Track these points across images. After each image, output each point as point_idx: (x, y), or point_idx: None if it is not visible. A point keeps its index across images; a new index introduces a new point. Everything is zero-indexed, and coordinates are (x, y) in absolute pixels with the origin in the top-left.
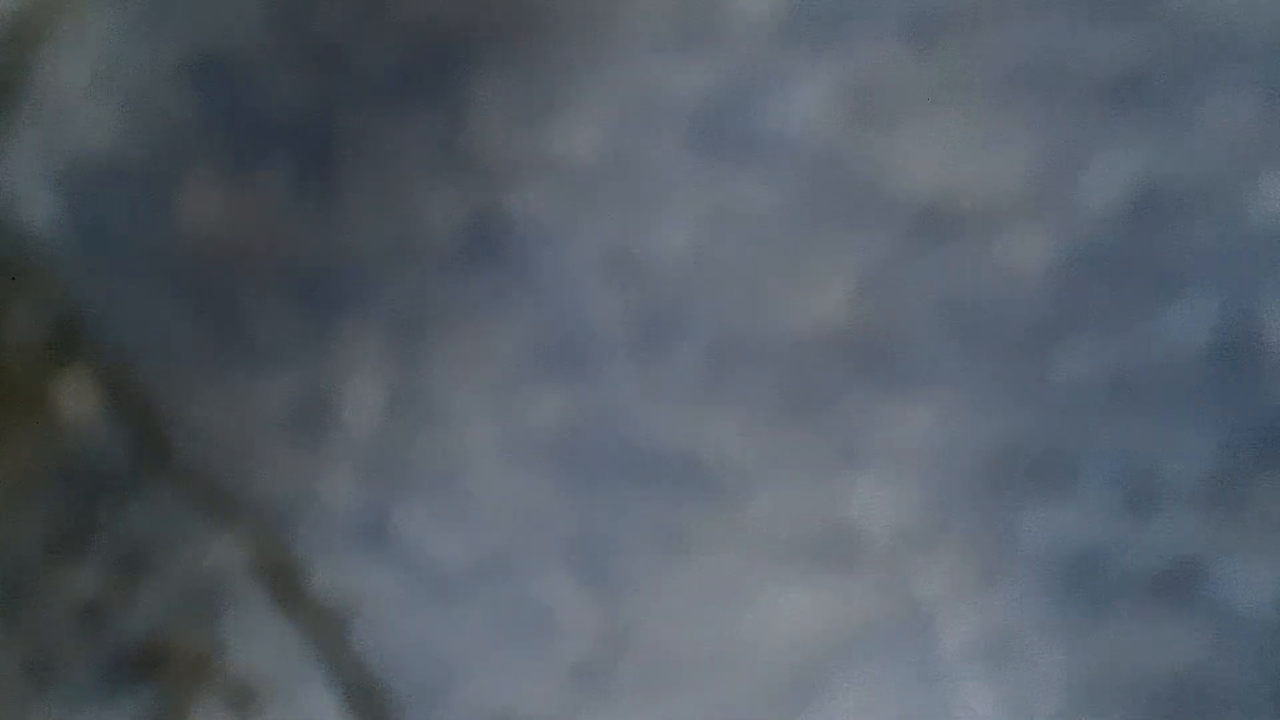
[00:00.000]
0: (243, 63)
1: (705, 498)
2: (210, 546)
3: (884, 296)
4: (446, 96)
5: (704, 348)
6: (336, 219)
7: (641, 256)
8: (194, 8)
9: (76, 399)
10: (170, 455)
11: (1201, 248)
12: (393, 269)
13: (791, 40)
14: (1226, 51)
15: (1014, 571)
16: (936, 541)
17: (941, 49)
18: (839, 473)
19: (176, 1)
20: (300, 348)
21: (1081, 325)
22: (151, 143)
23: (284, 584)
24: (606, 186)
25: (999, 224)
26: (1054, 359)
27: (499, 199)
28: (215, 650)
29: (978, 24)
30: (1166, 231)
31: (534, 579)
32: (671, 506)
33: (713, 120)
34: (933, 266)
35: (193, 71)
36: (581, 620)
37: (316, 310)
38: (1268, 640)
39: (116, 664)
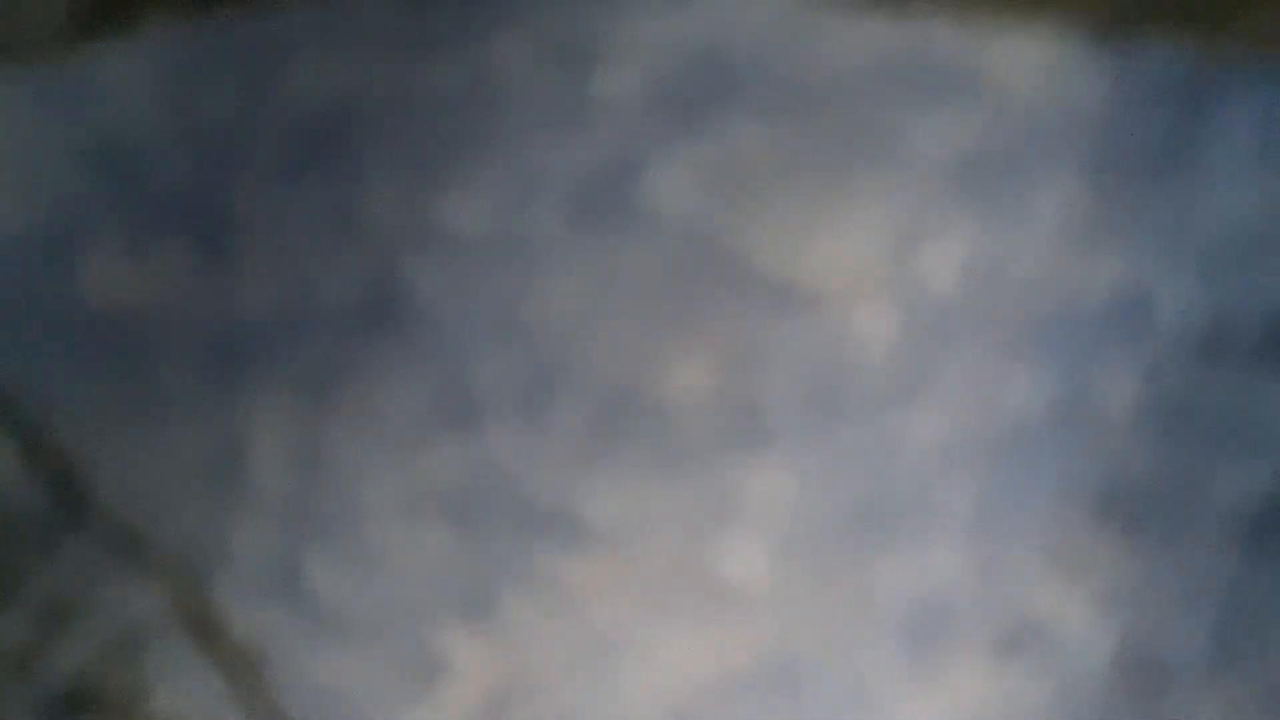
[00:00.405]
0: (137, 143)
1: (588, 551)
2: (132, 594)
3: (748, 364)
4: (339, 171)
5: (585, 408)
6: (239, 287)
7: (527, 322)
8: (85, 91)
9: None
10: (89, 508)
11: (1039, 320)
12: (295, 333)
13: (657, 120)
14: (1052, 135)
15: (871, 623)
16: (801, 595)
17: (793, 129)
18: (710, 529)
19: (69, 85)
20: (210, 406)
21: (928, 392)
22: (54, 220)
23: (203, 629)
24: (494, 256)
25: (849, 298)
26: (903, 423)
27: (393, 267)
28: (141, 694)
29: (826, 104)
30: (1004, 305)
31: (431, 627)
32: (557, 559)
33: (589, 195)
34: (791, 336)
35: (89, 152)
36: (475, 667)
37: (225, 371)
38: (1106, 695)
39: (48, 709)
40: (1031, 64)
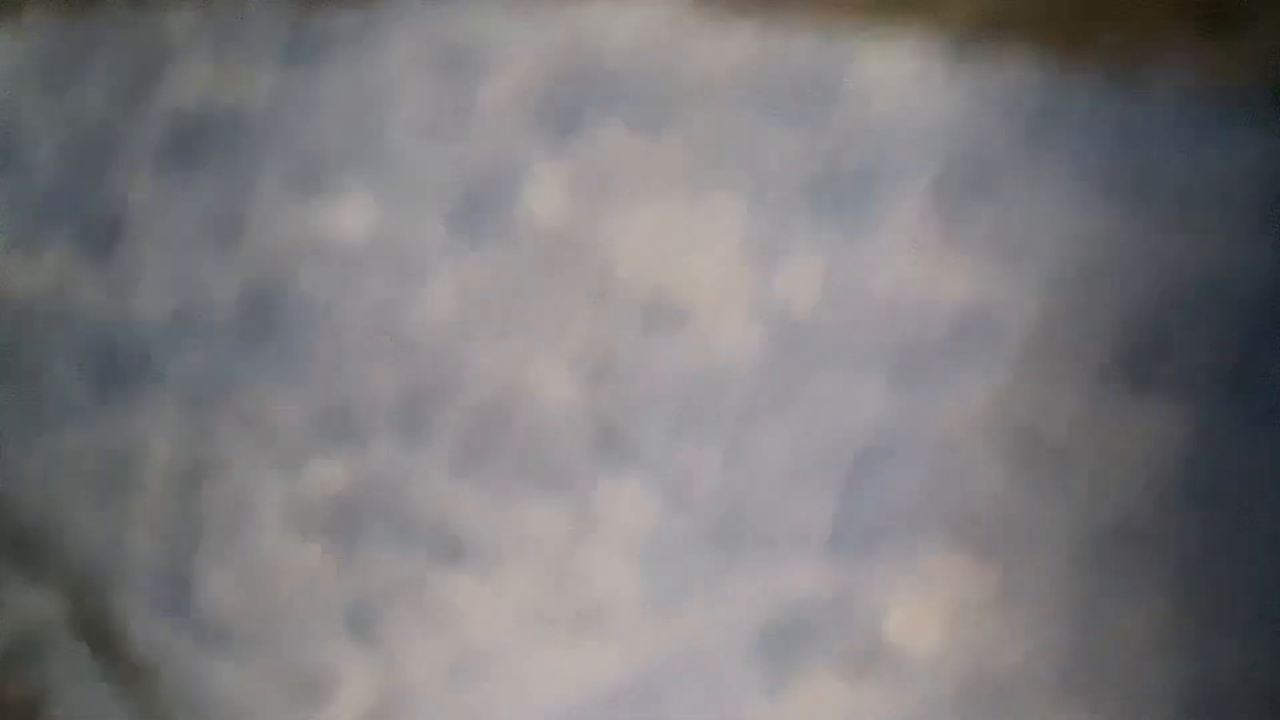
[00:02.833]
0: (19, 135)
1: (465, 568)
2: (30, 600)
3: (615, 378)
4: (222, 175)
5: (461, 422)
6: (125, 288)
7: (407, 332)
8: None
9: None
10: None
11: (894, 338)
12: (181, 339)
13: (533, 129)
14: (907, 149)
15: (729, 640)
16: (664, 611)
17: (661, 140)
18: (579, 545)
19: None
20: (100, 411)
21: (788, 409)
22: None
23: (98, 640)
24: (375, 265)
25: (714, 313)
26: (764, 439)
27: (277, 275)
28: (39, 701)
29: (693, 115)
30: (862, 322)
31: (317, 642)
32: (435, 576)
33: (469, 204)
34: (657, 351)
35: None
36: (358, 682)
37: (114, 375)
38: (958, 714)
39: None
40: (890, 77)
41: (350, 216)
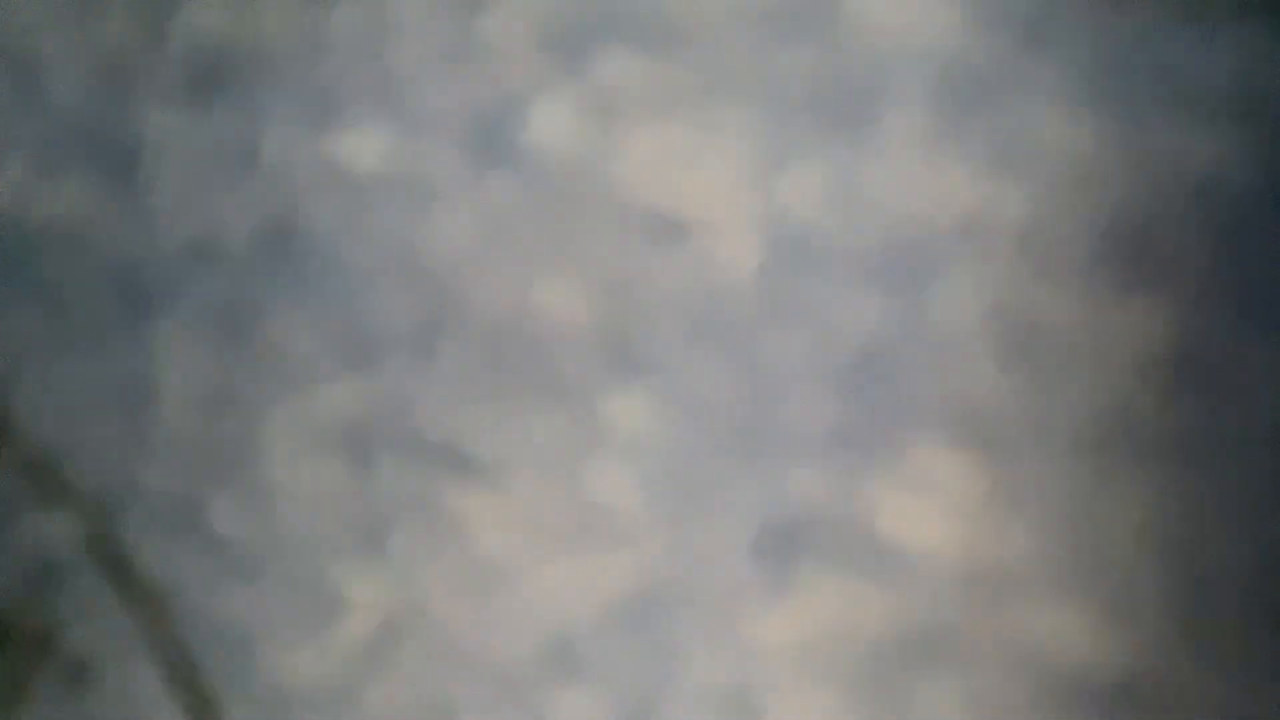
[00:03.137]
0: (40, 64)
1: (474, 483)
2: (47, 527)
3: (622, 295)
4: (238, 108)
5: (472, 344)
6: (144, 217)
7: (419, 259)
8: None
9: None
10: (5, 434)
11: (892, 244)
12: (199, 268)
13: (539, 60)
14: (897, 66)
15: (731, 544)
16: (669, 519)
17: (664, 66)
18: (585, 458)
19: None
20: (119, 339)
21: (789, 317)
22: None
23: (113, 565)
24: (388, 194)
25: (717, 227)
26: (765, 348)
27: (293, 205)
28: (54, 627)
29: (695, 41)
30: (860, 230)
31: (326, 560)
32: (445, 492)
33: (478, 134)
34: (662, 267)
35: None
36: (369, 600)
37: (133, 304)
38: (952, 606)
39: None
40: None
41: (363, 147)
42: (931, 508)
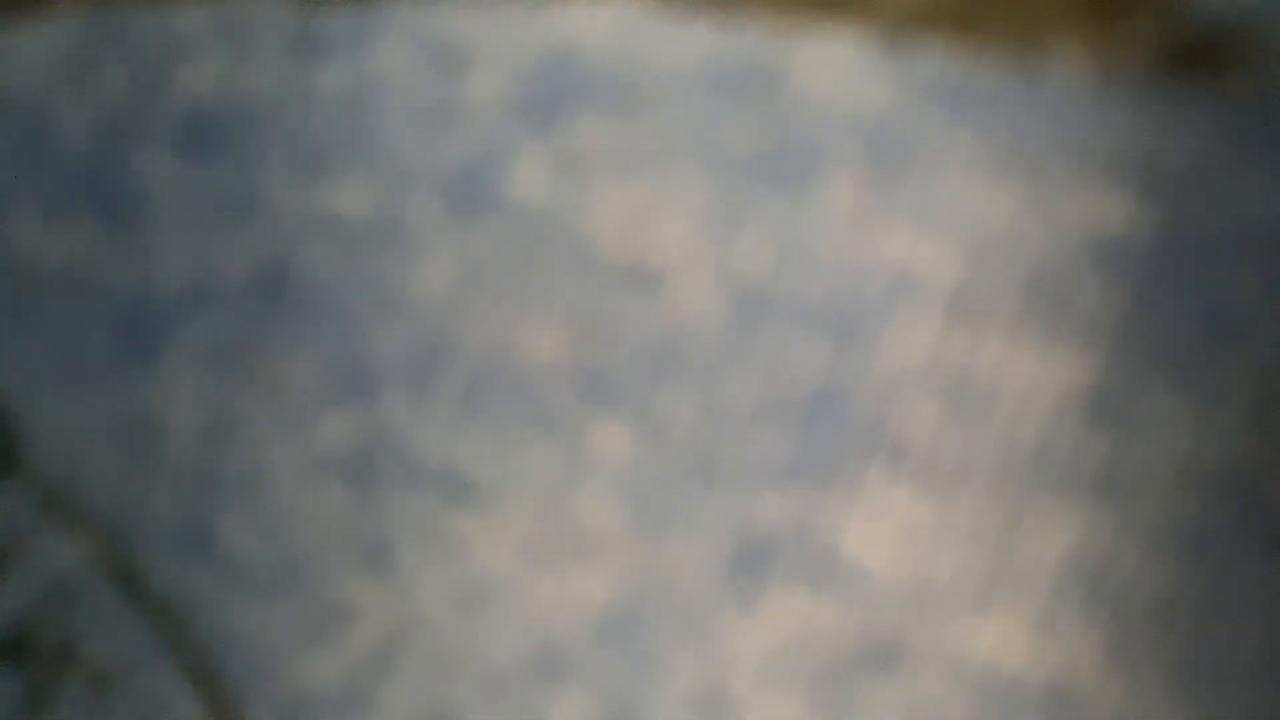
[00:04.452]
0: (45, 118)
1: (469, 506)
2: (61, 549)
3: (598, 335)
4: (234, 159)
5: (463, 377)
6: (147, 261)
7: (409, 299)
8: None
9: None
10: (18, 464)
11: (838, 296)
12: (200, 308)
13: (516, 119)
14: (836, 132)
15: (704, 563)
16: (647, 540)
17: (630, 127)
18: (572, 482)
19: None
20: (126, 374)
21: (749, 359)
22: None
23: (129, 583)
24: (377, 240)
25: (678, 276)
26: (730, 386)
27: (287, 250)
28: (73, 643)
29: (657, 104)
30: (809, 283)
31: (333, 576)
32: (443, 514)
33: (460, 186)
34: (633, 311)
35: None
36: (373, 613)
37: (138, 341)
38: (901, 619)
39: None
40: (828, 67)
41: (353, 197)
42: (883, 531)
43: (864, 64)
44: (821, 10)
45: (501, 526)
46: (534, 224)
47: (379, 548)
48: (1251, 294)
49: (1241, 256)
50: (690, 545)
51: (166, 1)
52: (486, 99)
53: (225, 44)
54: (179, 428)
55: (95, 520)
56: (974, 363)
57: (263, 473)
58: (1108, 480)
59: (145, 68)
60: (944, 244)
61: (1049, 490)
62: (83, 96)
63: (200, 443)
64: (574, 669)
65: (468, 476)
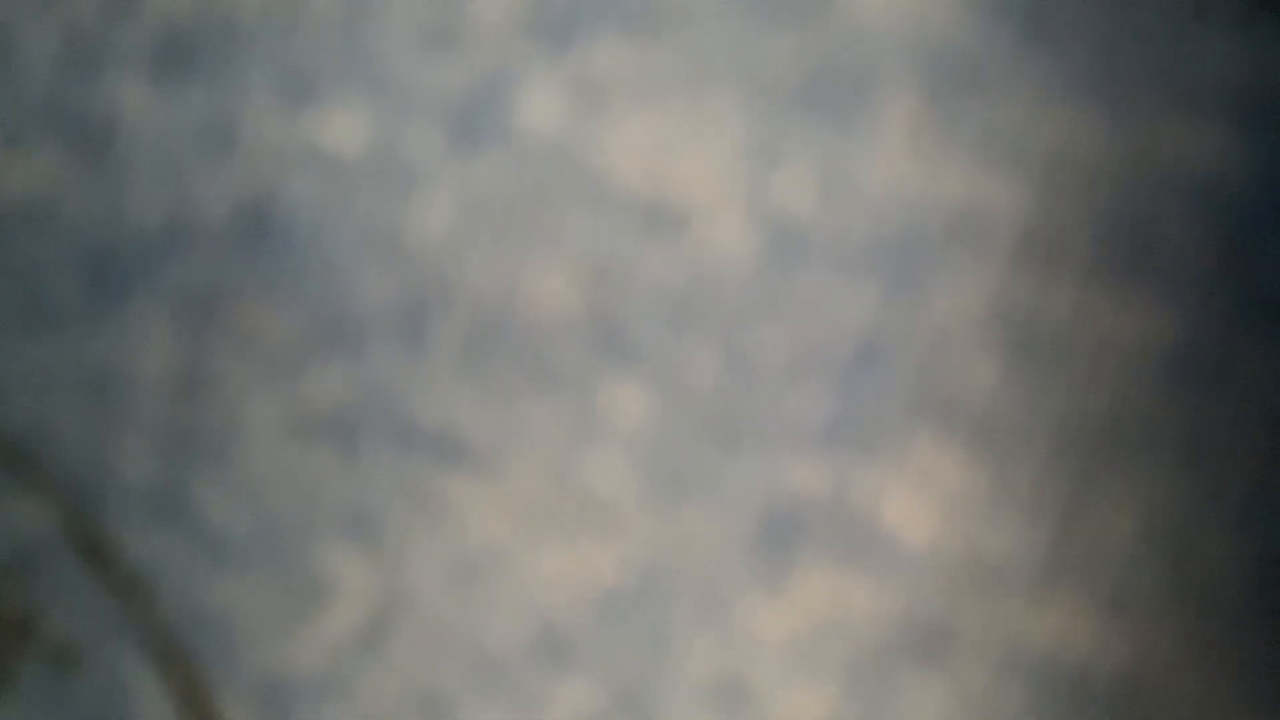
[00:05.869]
0: (5, 38)
1: (466, 469)
2: (23, 515)
3: (613, 282)
4: (214, 85)
5: (461, 328)
6: (118, 194)
7: (404, 242)
8: None
9: None
10: None
11: (887, 236)
12: (175, 247)
13: (527, 41)
14: (890, 53)
15: (726, 535)
16: (663, 508)
17: (654, 49)
18: (580, 445)
19: None
20: (92, 320)
21: (783, 308)
22: None
23: (92, 552)
24: (370, 176)
25: (709, 216)
26: (759, 338)
27: (271, 185)
28: (35, 615)
29: (685, 25)
30: (855, 222)
31: (315, 547)
32: (436, 478)
33: (463, 115)
34: (654, 254)
35: None
36: (359, 586)
37: (106, 283)
38: (948, 601)
39: None
40: None
41: (344, 128)
42: (930, 502)
43: None
44: None
45: (501, 494)
46: (544, 157)
47: (365, 515)
48: None
49: None
50: (711, 517)
51: None
52: (493, 18)
53: None
54: (149, 380)
55: (57, 482)
56: (1042, 313)
57: (240, 431)
58: (1192, 446)
59: None
60: (1011, 178)
61: (1124, 457)
62: (47, 14)
63: (172, 397)
64: (578, 653)
65: (464, 438)
